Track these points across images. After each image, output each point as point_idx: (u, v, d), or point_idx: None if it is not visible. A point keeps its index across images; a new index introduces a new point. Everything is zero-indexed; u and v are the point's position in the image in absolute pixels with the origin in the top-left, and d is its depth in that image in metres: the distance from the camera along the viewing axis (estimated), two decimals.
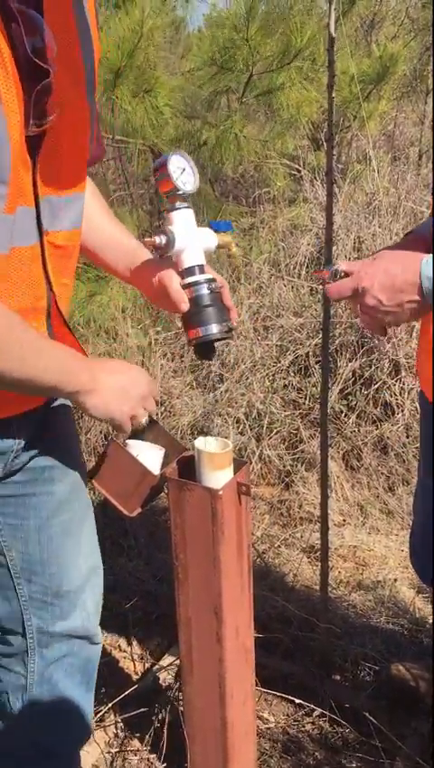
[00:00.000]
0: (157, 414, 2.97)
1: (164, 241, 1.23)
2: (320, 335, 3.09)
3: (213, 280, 1.26)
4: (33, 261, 1.09)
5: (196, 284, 1.25)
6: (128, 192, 4.92)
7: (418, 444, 2.83)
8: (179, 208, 1.26)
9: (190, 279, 1.25)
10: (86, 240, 1.31)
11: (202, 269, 1.26)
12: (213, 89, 3.76)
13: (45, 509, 1.25)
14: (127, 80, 3.41)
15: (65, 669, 1.33)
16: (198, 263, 1.26)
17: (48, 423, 1.26)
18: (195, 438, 2.65)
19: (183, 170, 1.26)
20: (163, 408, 2.99)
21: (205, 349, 1.28)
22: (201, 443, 1.34)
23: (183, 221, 1.26)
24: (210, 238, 1.30)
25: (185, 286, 1.25)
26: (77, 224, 1.16)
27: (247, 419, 2.94)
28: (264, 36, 3.31)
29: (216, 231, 1.32)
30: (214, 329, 1.23)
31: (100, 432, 2.89)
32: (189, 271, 1.26)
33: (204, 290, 1.24)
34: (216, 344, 1.29)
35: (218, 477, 1.32)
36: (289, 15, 3.37)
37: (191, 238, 1.26)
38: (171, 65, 4.73)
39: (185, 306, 1.24)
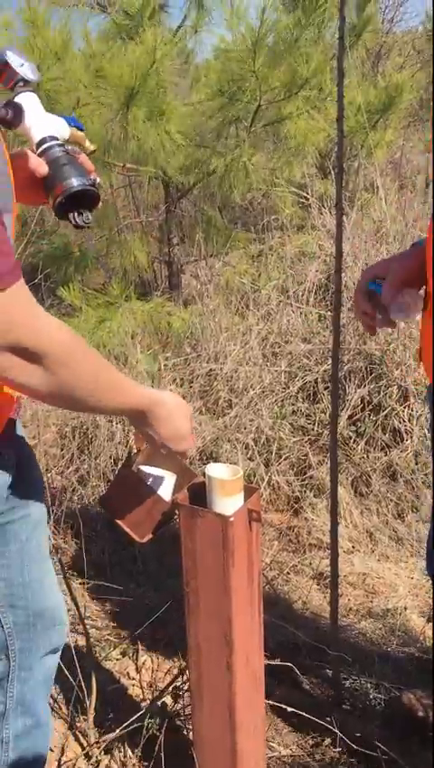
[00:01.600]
0: None
1: (10, 113, 1.21)
2: (329, 361, 3.10)
3: (67, 144, 1.27)
4: None
5: (49, 148, 1.25)
6: (138, 219, 4.98)
7: (427, 471, 2.83)
8: (24, 91, 1.28)
9: (43, 146, 1.26)
10: None
11: (54, 139, 1.26)
12: (222, 119, 3.83)
13: (24, 531, 1.29)
14: (140, 103, 3.47)
15: (36, 685, 1.38)
16: (50, 134, 1.26)
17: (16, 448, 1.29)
18: (204, 464, 2.64)
19: (23, 64, 1.28)
20: None
21: (70, 204, 1.24)
22: (212, 469, 1.35)
23: (29, 101, 1.27)
24: (61, 127, 1.31)
25: (40, 154, 1.26)
26: None
27: (256, 445, 2.95)
28: (271, 68, 3.38)
29: (70, 125, 1.33)
30: (75, 182, 1.22)
31: (110, 457, 2.90)
32: (41, 141, 1.26)
33: (58, 152, 1.25)
34: (92, 210, 1.26)
35: (229, 503, 1.33)
36: (295, 47, 3.44)
37: (39, 116, 1.28)
38: (180, 93, 4.81)
39: (44, 169, 1.23)
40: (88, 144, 1.37)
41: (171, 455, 1.50)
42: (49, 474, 2.90)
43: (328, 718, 1.80)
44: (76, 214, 1.23)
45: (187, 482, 1.44)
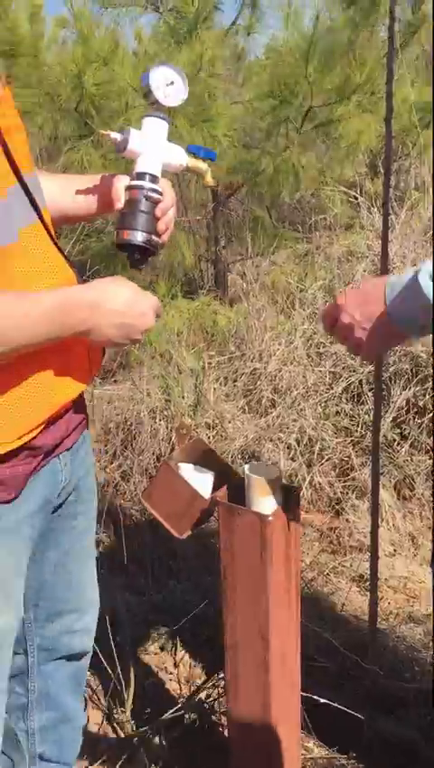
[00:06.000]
0: (209, 438, 3.00)
1: (119, 138, 1.21)
2: (373, 363, 3.08)
3: (159, 192, 1.22)
4: (42, 239, 1.11)
5: (138, 188, 1.21)
6: (186, 218, 5.01)
7: None
8: (153, 116, 1.25)
9: (135, 183, 1.22)
10: (50, 204, 1.27)
11: (153, 179, 1.22)
12: (272, 120, 3.82)
13: (66, 542, 1.31)
14: (186, 110, 3.49)
15: (61, 681, 1.39)
16: (150, 171, 1.22)
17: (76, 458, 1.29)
18: (246, 463, 2.66)
19: (172, 83, 1.24)
20: (214, 432, 3.02)
21: (129, 254, 1.22)
22: (251, 468, 1.35)
23: (150, 128, 1.24)
24: (178, 156, 1.27)
25: (129, 188, 1.22)
26: (44, 202, 1.18)
27: (298, 445, 2.94)
28: (323, 73, 3.36)
29: (193, 155, 1.29)
30: (139, 237, 1.19)
31: (153, 454, 2.93)
32: (138, 176, 1.22)
33: (143, 196, 1.20)
34: (148, 259, 1.24)
35: (268, 503, 1.34)
36: (350, 50, 3.41)
37: (151, 145, 1.24)
38: (230, 92, 4.81)
39: (118, 205, 1.20)
40: (208, 178, 1.32)
41: (211, 453, 1.52)
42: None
43: (364, 722, 1.79)
44: (135, 254, 1.21)
45: (227, 480, 1.45)
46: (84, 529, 1.35)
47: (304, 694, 1.64)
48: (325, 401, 3.08)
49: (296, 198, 5.42)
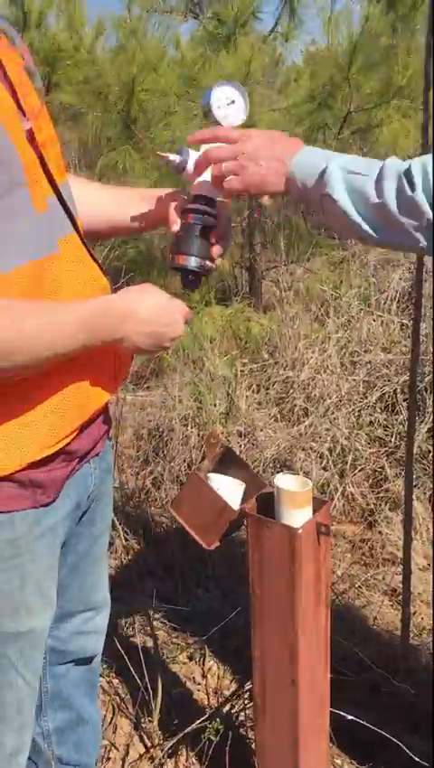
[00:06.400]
0: (240, 446, 2.98)
1: (177, 159, 1.21)
2: (409, 372, 3.03)
3: (215, 216, 1.21)
4: (78, 248, 1.12)
5: (195, 212, 1.21)
6: None
7: None
8: None
9: (191, 206, 1.22)
10: (103, 216, 1.31)
11: (209, 203, 1.21)
12: (310, 125, 3.81)
13: (83, 546, 1.31)
14: None
15: (74, 682, 1.40)
16: (207, 194, 1.21)
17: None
18: (278, 472, 2.62)
19: (232, 102, 1.23)
20: (246, 440, 3.00)
21: (182, 276, 1.23)
22: (281, 480, 1.33)
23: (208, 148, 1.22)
24: None
25: (185, 210, 1.22)
26: (77, 213, 1.18)
27: (331, 455, 2.91)
28: (366, 75, 3.34)
29: None
30: (192, 262, 1.20)
31: (184, 461, 2.93)
32: (195, 198, 1.22)
33: (200, 221, 1.21)
34: (200, 280, 1.25)
35: (297, 515, 1.32)
36: (393, 54, 3.38)
37: (209, 168, 1.22)
38: (269, 99, 4.81)
39: (175, 227, 1.21)
40: (265, 199, 1.32)
41: (241, 463, 1.50)
42: (123, 475, 2.95)
43: (396, 740, 1.75)
44: (189, 276, 1.22)
45: (256, 491, 1.43)
46: (100, 533, 1.36)
47: (333, 710, 1.61)
48: (359, 410, 3.04)
49: None
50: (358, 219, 1.10)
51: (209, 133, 1.20)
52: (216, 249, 1.23)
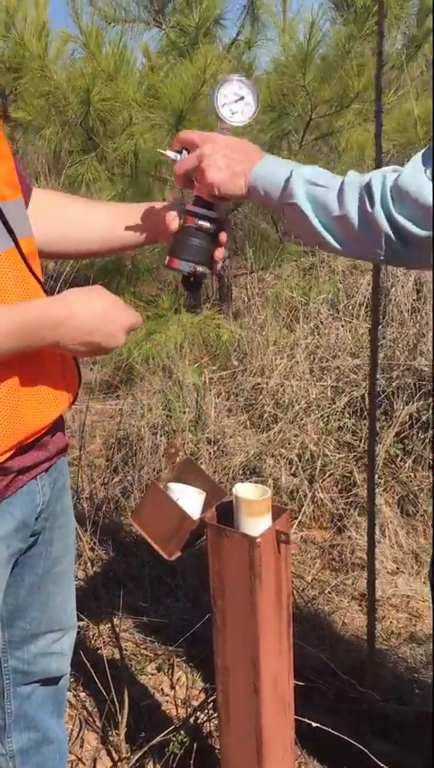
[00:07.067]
0: (209, 453, 2.98)
1: (178, 158, 1.19)
2: (378, 377, 3.05)
3: (214, 220, 1.20)
4: (17, 266, 1.09)
5: (194, 215, 1.20)
6: None
7: None
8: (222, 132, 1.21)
9: (190, 208, 1.21)
10: (95, 234, 1.30)
11: (210, 206, 1.20)
12: (274, 133, 3.83)
13: (41, 566, 1.29)
14: (190, 123, 3.51)
15: (39, 703, 1.37)
16: (206, 198, 1.20)
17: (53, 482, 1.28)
18: (247, 479, 2.62)
19: (241, 98, 1.19)
20: (215, 448, 2.99)
21: (183, 279, 1.23)
22: (240, 489, 1.33)
23: None
24: None
25: (185, 212, 1.21)
26: (30, 231, 1.16)
27: (300, 461, 2.91)
28: (321, 82, 3.36)
29: None
30: (185, 267, 1.20)
31: (153, 470, 2.91)
32: (196, 200, 1.21)
33: (195, 225, 1.20)
34: (201, 284, 1.25)
35: (256, 524, 1.31)
36: (347, 60, 3.41)
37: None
38: None
39: (172, 227, 1.20)
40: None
41: (201, 473, 1.50)
42: (93, 485, 2.93)
43: (362, 746, 1.75)
44: (190, 278, 1.21)
45: (217, 500, 1.43)
46: (60, 554, 1.33)
47: (298, 717, 1.60)
48: (328, 416, 3.05)
49: None
50: (322, 230, 1.12)
51: (179, 138, 1.20)
52: (218, 253, 1.21)
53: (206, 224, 1.20)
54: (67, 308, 1.06)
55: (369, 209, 1.07)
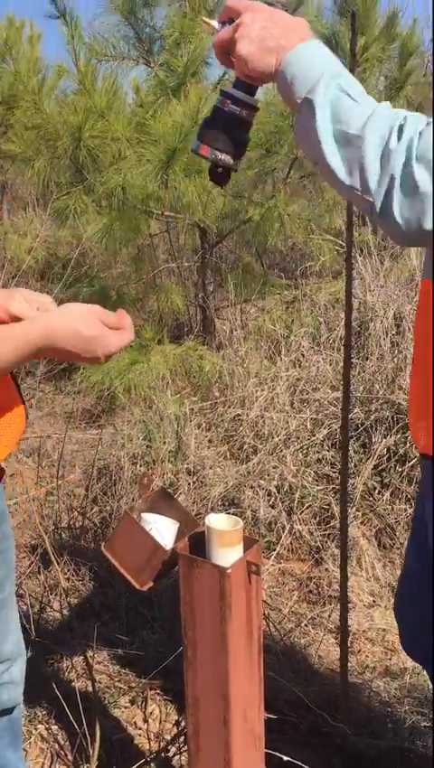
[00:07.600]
0: (189, 484, 2.98)
1: (219, 28, 1.13)
2: (356, 410, 3.08)
3: (249, 106, 1.14)
4: None
5: (229, 97, 1.15)
6: (176, 264, 5.07)
7: None
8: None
9: (228, 90, 1.15)
10: None
11: (250, 90, 1.14)
12: (259, 170, 3.92)
13: None
14: (180, 161, 3.58)
15: None
16: (241, 76, 1.14)
17: None
18: (225, 509, 2.62)
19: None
20: (195, 478, 3.00)
21: (211, 169, 1.18)
22: (212, 519, 1.35)
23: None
24: None
25: (223, 93, 1.15)
26: None
27: (279, 492, 2.93)
28: None
29: None
30: (211, 154, 1.14)
31: (132, 499, 2.92)
32: (235, 82, 1.15)
33: (230, 109, 1.14)
34: (228, 177, 1.19)
35: (227, 554, 1.33)
36: None
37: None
38: None
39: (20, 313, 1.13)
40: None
41: (174, 503, 1.51)
42: (72, 514, 2.93)
43: None
44: (217, 169, 1.16)
45: (190, 530, 1.44)
46: (0, 581, 1.32)
47: (270, 751, 1.60)
48: (307, 448, 3.07)
49: (288, 245, 5.52)
50: (329, 142, 1.03)
51: (227, 6, 1.13)
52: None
53: (236, 109, 1.13)
54: (49, 335, 1.11)
55: (392, 145, 0.99)
